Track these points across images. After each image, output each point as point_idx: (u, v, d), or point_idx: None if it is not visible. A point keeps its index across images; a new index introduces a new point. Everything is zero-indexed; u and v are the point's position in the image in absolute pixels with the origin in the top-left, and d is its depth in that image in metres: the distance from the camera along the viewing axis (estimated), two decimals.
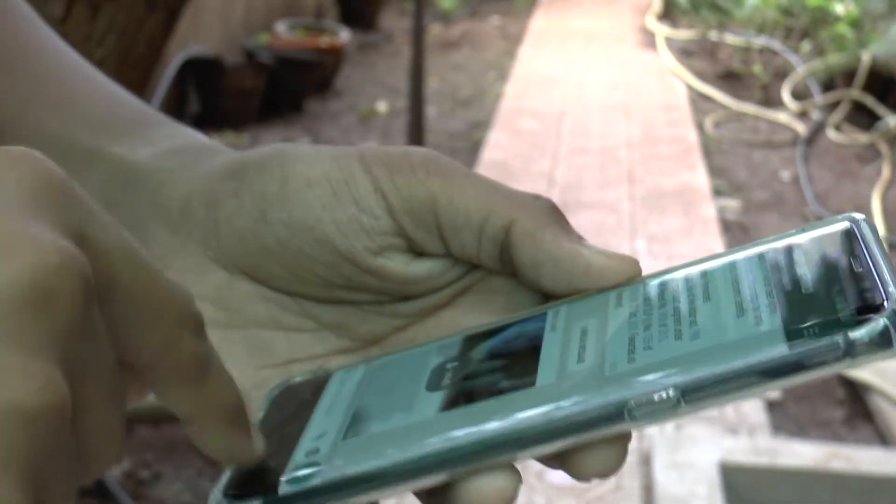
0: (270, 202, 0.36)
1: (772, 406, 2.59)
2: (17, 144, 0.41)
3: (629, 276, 0.34)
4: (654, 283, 0.33)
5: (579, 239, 0.35)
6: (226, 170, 0.37)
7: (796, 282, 0.30)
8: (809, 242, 0.32)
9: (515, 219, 0.35)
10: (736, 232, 3.67)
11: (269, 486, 0.31)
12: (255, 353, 0.37)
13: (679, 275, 0.33)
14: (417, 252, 0.36)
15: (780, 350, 0.28)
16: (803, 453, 2.15)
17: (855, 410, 2.60)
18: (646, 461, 2.23)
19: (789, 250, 0.32)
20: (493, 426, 0.30)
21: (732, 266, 0.32)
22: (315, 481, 0.31)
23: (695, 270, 0.33)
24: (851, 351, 0.28)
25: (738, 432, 2.41)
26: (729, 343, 0.29)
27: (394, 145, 0.37)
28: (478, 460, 0.30)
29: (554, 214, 0.35)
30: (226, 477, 0.32)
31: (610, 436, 0.30)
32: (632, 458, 2.29)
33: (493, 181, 0.36)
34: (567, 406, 0.30)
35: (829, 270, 0.30)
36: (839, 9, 5.67)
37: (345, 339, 0.38)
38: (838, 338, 0.28)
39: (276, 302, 0.37)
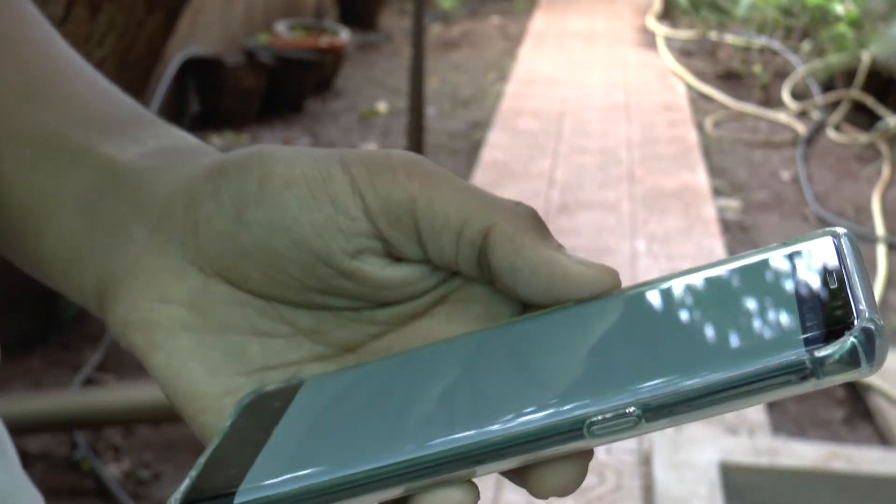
0: (248, 202, 0.35)
1: (772, 406, 2.59)
2: (9, 138, 0.41)
3: (607, 288, 0.33)
4: (628, 296, 0.33)
5: (559, 247, 0.34)
6: (208, 170, 0.37)
7: (768, 298, 0.30)
8: (787, 258, 0.31)
9: (495, 223, 0.34)
10: (736, 232, 3.67)
11: (226, 495, 0.31)
12: (230, 359, 0.36)
13: (653, 290, 0.32)
14: (395, 257, 0.36)
15: (743, 368, 0.28)
16: (803, 453, 2.15)
17: (855, 410, 2.60)
18: (646, 461, 2.23)
19: (766, 266, 0.31)
20: (452, 440, 0.30)
21: (706, 282, 0.32)
22: (272, 492, 0.31)
23: (669, 285, 0.32)
24: (818, 370, 0.27)
25: (738, 432, 2.41)
26: (692, 361, 0.29)
27: (392, 147, 0.37)
28: (436, 474, 0.30)
29: (534, 221, 0.34)
30: (185, 484, 0.32)
31: (569, 452, 0.30)
32: (632, 458, 2.29)
33: (473, 186, 0.35)
34: (526, 421, 0.29)
35: (802, 287, 0.29)
36: (839, 9, 5.67)
37: (320, 345, 0.37)
38: (805, 356, 0.27)
39: (252, 306, 0.37)
